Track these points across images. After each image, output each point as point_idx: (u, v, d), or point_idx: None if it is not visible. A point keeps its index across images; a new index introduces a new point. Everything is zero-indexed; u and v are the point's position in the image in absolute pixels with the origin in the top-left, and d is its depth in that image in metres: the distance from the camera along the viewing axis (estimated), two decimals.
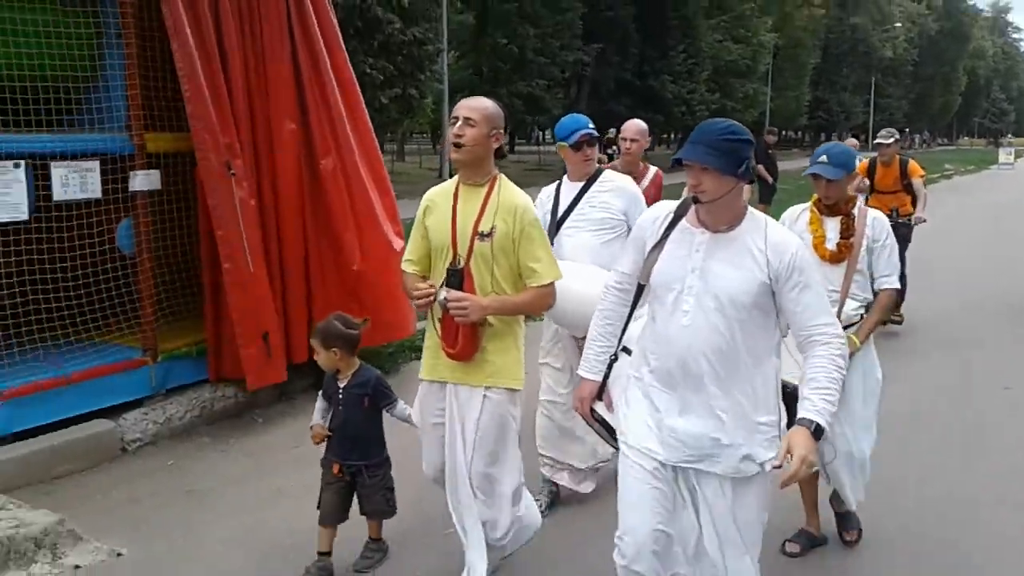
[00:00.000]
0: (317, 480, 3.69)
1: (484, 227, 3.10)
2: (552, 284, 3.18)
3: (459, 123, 3.09)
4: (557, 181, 4.34)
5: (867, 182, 8.00)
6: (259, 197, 5.53)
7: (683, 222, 2.63)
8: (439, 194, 3.27)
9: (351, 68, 6.31)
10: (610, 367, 2.85)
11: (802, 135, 64.56)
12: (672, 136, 44.91)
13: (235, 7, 5.40)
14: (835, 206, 3.72)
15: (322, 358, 3.59)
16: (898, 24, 62.72)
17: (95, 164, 4.97)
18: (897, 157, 7.90)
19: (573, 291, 3.57)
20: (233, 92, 5.38)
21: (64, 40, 4.94)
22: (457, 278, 3.11)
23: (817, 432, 2.38)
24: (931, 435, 5.28)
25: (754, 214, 2.61)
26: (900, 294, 7.36)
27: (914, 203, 7.96)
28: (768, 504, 2.65)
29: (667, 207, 2.71)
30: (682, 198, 2.87)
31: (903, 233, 7.56)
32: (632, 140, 5.23)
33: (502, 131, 3.18)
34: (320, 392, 3.69)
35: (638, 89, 30.98)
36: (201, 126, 5.15)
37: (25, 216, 4.69)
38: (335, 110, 5.93)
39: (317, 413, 3.68)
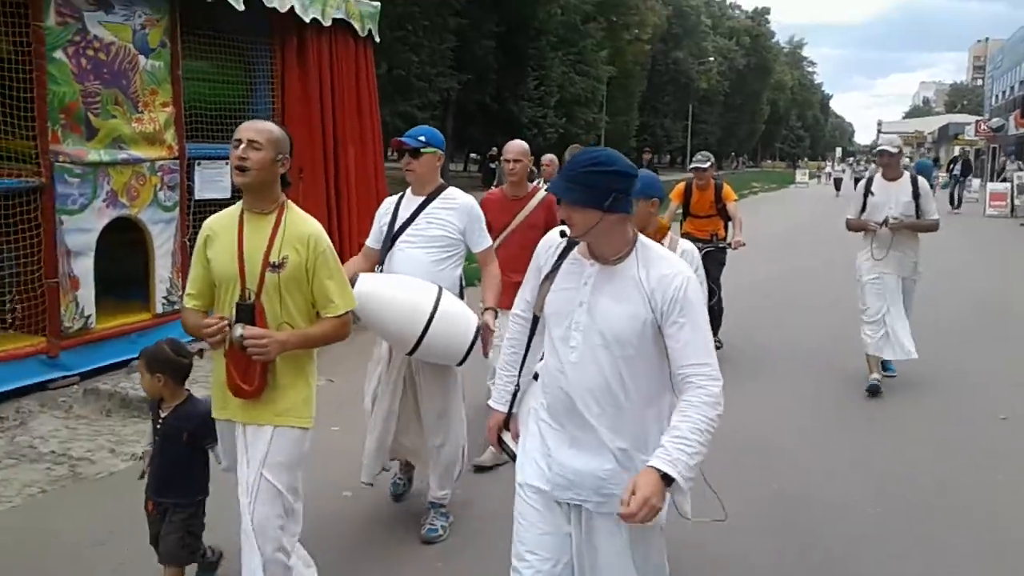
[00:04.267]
0: None
1: (275, 257, 2.93)
2: (348, 313, 3.06)
3: (243, 146, 2.88)
4: (400, 194, 4.22)
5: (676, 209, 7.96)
6: (326, 194, 8.49)
7: (574, 252, 2.52)
8: (220, 223, 3.06)
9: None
10: (514, 396, 2.76)
11: (633, 158, 70.42)
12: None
13: (328, 71, 8.41)
14: (648, 236, 3.52)
15: (145, 382, 3.35)
16: (712, 59, 69.91)
17: None
18: (712, 181, 7.85)
19: (390, 300, 3.63)
20: (322, 122, 8.39)
21: (226, 80, 7.78)
22: (248, 313, 2.92)
23: (667, 479, 2.23)
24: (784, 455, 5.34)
25: (645, 245, 2.46)
26: (718, 319, 7.80)
27: (726, 227, 7.97)
28: (663, 547, 2.58)
29: (559, 236, 2.59)
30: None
31: (720, 257, 7.81)
32: (515, 160, 5.16)
33: (288, 157, 3.01)
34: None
35: (496, 113, 34.71)
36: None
37: (228, 195, 7.48)
38: (375, 134, 9.06)
39: (146, 441, 3.50)
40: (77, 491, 4.67)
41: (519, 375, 2.76)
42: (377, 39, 9.15)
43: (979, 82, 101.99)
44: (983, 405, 6.50)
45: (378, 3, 9.10)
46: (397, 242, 4.04)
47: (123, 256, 6.84)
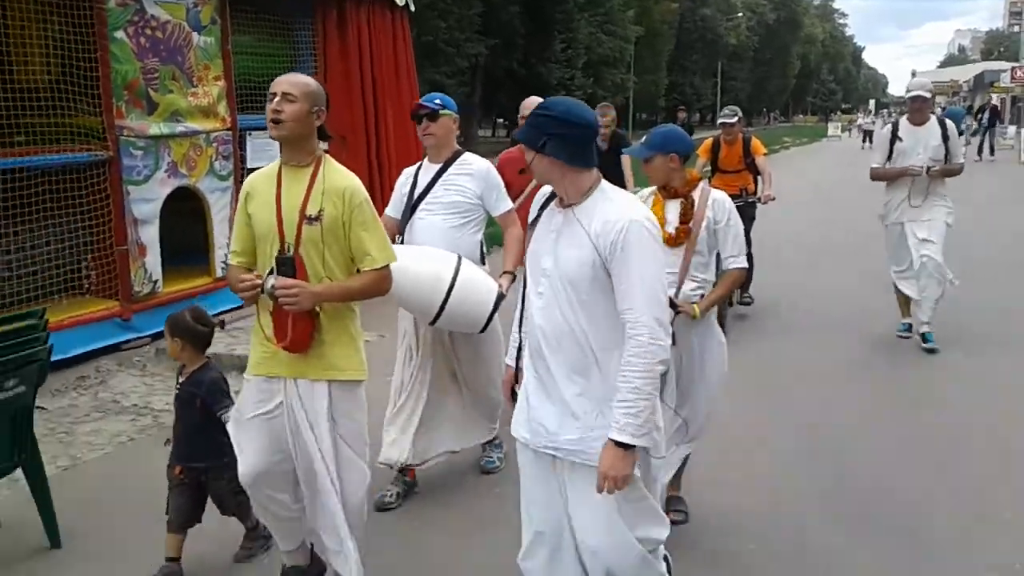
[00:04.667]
0: None
1: (311, 210, 2.92)
2: (387, 267, 3.03)
3: (277, 98, 2.89)
4: (418, 164, 4.25)
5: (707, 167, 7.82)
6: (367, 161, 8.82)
7: (552, 203, 2.59)
8: (260, 179, 3.08)
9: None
10: (519, 350, 2.79)
11: (663, 117, 70.03)
12: None
13: (367, 42, 8.70)
14: (674, 189, 3.66)
15: (168, 346, 3.52)
16: (740, 14, 68.99)
17: None
18: (740, 136, 7.71)
19: (411, 272, 3.57)
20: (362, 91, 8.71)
21: (272, 53, 8.11)
22: (288, 266, 2.93)
23: (624, 445, 2.31)
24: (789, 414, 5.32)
25: (603, 190, 2.50)
26: (748, 274, 7.27)
27: (756, 181, 7.84)
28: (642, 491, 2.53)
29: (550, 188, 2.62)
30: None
31: (750, 212, 7.58)
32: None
33: (324, 109, 2.99)
34: None
35: (523, 77, 34.74)
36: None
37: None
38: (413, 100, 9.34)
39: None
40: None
41: (519, 329, 2.82)
42: (412, 8, 9.42)
43: (1016, 28, 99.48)
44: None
45: None
46: (417, 211, 4.09)
47: (184, 224, 7.24)
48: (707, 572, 3.56)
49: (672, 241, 3.60)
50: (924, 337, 6.56)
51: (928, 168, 6.31)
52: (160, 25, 6.60)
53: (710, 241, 3.66)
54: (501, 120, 45.89)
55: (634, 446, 2.34)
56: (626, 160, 6.72)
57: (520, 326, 2.81)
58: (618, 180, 6.61)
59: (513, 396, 2.81)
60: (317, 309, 2.97)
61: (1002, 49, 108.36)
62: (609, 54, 40.59)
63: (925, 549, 3.72)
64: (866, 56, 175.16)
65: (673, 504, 3.87)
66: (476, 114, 35.76)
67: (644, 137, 3.74)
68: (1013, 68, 52.74)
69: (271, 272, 2.95)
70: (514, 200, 4.41)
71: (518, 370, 2.80)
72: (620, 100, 44.73)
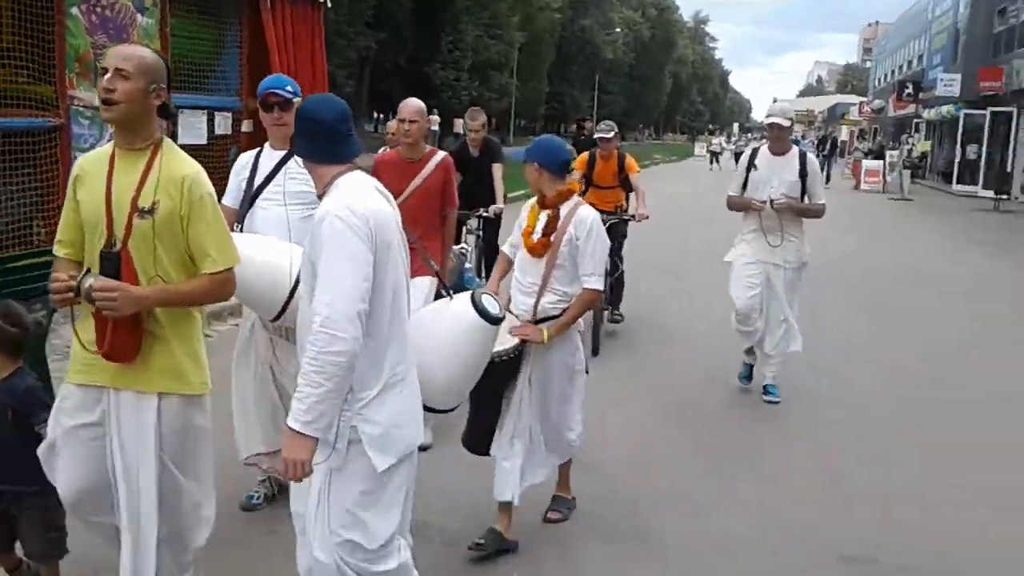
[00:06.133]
0: None
1: (144, 202, 2.61)
2: (230, 270, 2.74)
3: (108, 75, 2.59)
4: (258, 148, 4.00)
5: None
6: None
7: None
8: (91, 161, 2.75)
9: None
10: None
11: (544, 124, 71.95)
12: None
13: (290, 33, 9.43)
14: (544, 199, 3.74)
15: None
16: (618, 29, 71.79)
17: (228, 114, 8.86)
18: (615, 152, 7.67)
19: (254, 264, 3.23)
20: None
21: (204, 38, 8.74)
22: (112, 263, 2.61)
23: (295, 432, 2.36)
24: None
25: (338, 184, 2.56)
26: (618, 291, 7.76)
27: (627, 198, 7.85)
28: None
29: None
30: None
31: (622, 230, 7.65)
32: (411, 121, 4.80)
33: (163, 86, 2.69)
34: None
35: (411, 73, 35.56)
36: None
37: (204, 142, 8.48)
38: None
39: None
40: None
41: None
42: (329, 4, 10.19)
43: (868, 64, 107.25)
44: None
45: None
46: (258, 200, 3.86)
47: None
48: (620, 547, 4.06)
49: (534, 250, 3.73)
50: (766, 389, 6.08)
51: (772, 200, 5.69)
52: (109, 4, 7.18)
53: (572, 256, 3.68)
54: (384, 116, 46.40)
55: (307, 434, 2.37)
56: (498, 168, 6.77)
57: None
58: (488, 189, 6.84)
59: None
60: (150, 314, 2.68)
61: (855, 83, 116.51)
62: (495, 58, 41.96)
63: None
64: (733, 80, 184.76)
65: (556, 503, 4.09)
66: (362, 108, 36.21)
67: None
68: (860, 103, 57.22)
69: (102, 271, 2.63)
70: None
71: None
72: (504, 103, 46.16)
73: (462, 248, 6.60)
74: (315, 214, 2.51)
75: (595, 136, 7.73)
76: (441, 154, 5.01)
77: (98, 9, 7.07)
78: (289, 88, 3.92)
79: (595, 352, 6.74)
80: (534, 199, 3.89)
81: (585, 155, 7.79)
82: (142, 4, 7.56)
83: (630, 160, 7.77)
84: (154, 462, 2.71)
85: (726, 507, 4.44)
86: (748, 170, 5.92)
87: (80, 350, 2.72)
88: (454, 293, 3.25)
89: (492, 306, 3.04)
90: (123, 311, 2.59)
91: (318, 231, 2.44)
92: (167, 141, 2.76)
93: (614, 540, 4.02)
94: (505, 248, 4.13)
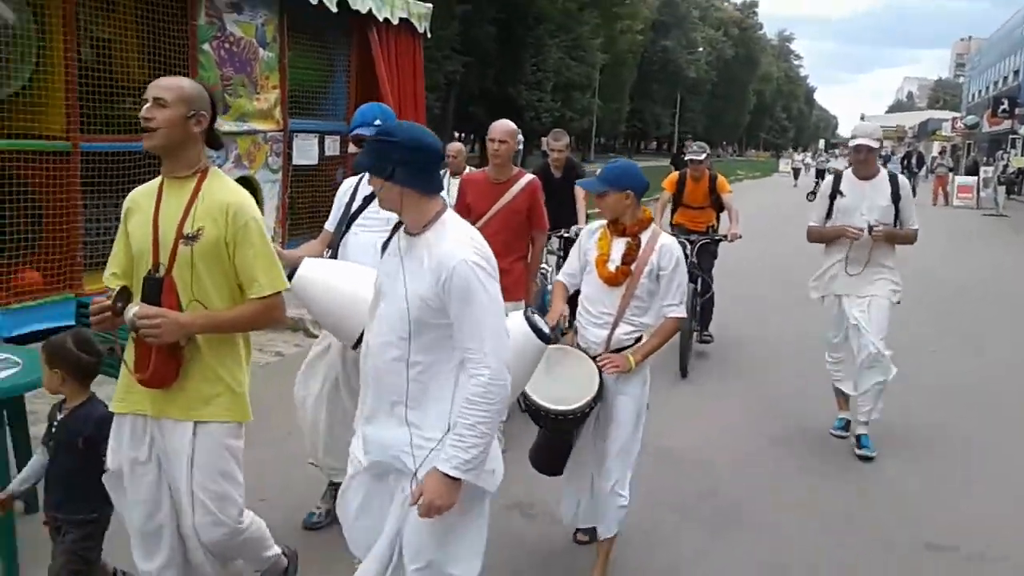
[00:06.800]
0: None
1: (189, 228, 2.64)
2: (278, 295, 2.74)
3: (148, 104, 2.62)
4: (362, 175, 3.94)
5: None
6: None
7: (400, 230, 2.53)
8: (142, 193, 2.80)
9: None
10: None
11: (624, 141, 72.16)
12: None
13: (394, 62, 10.05)
14: (622, 226, 3.60)
15: (45, 377, 3.01)
16: (701, 48, 71.68)
17: (337, 138, 9.50)
18: (707, 172, 7.63)
19: (333, 290, 3.25)
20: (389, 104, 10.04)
21: (316, 68, 9.42)
22: (154, 289, 2.64)
23: (452, 476, 2.33)
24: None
25: (443, 223, 2.44)
26: (708, 312, 7.74)
27: (718, 218, 7.82)
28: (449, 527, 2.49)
29: None
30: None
31: (713, 250, 7.65)
32: (500, 142, 4.79)
33: (207, 113, 2.70)
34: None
35: (496, 96, 36.29)
36: None
37: (315, 163, 9.14)
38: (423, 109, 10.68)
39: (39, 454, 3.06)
40: None
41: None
42: (428, 35, 10.79)
43: (961, 79, 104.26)
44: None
45: (430, 4, 10.74)
46: (352, 225, 3.92)
47: None
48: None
49: (611, 280, 3.58)
50: (859, 441, 5.43)
51: (871, 228, 5.23)
52: (236, 40, 7.87)
53: (651, 286, 3.58)
54: (472, 135, 47.37)
55: (459, 479, 2.37)
56: (580, 190, 6.65)
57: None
58: (570, 210, 6.89)
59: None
60: (192, 341, 2.69)
61: (947, 98, 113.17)
62: (577, 79, 42.42)
63: None
64: (818, 96, 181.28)
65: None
66: (448, 129, 37.14)
67: (599, 170, 3.68)
68: (953, 119, 55.74)
69: (143, 297, 2.66)
70: (474, 224, 4.20)
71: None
72: (586, 123, 46.65)
73: (542, 268, 6.63)
74: (434, 255, 2.37)
75: (686, 158, 7.82)
76: (529, 177, 4.95)
77: (226, 45, 7.77)
78: (377, 122, 3.90)
79: (683, 374, 6.89)
80: (598, 225, 3.76)
81: (675, 175, 7.89)
82: (264, 39, 8.25)
83: (722, 180, 7.75)
84: (187, 488, 2.74)
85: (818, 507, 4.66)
86: (832, 197, 5.45)
87: (124, 377, 2.78)
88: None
89: (544, 325, 2.98)
90: (166, 339, 2.60)
91: (450, 277, 2.33)
92: (214, 169, 2.78)
93: (709, 527, 4.32)
94: (562, 277, 3.92)
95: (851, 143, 5.45)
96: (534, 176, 5.00)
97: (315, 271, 3.33)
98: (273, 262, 2.75)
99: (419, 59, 10.73)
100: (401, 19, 9.96)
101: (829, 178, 5.73)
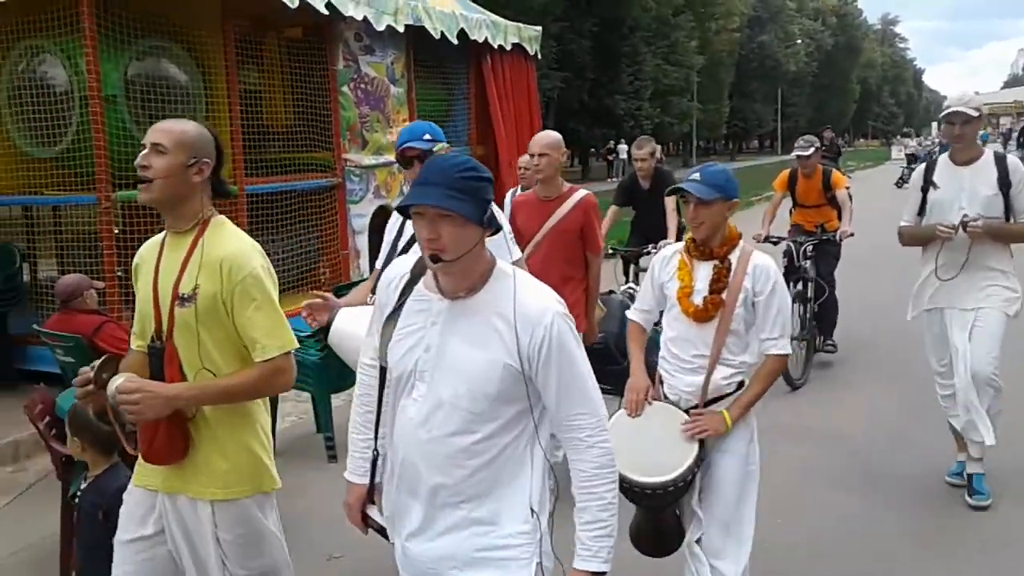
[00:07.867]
0: None
1: (185, 288, 2.37)
2: (285, 357, 2.41)
3: (146, 151, 2.35)
4: None
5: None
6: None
7: (419, 286, 2.08)
8: (148, 248, 2.54)
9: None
10: (375, 463, 2.27)
11: (725, 142, 71.25)
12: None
13: (509, 87, 10.57)
14: (708, 247, 2.98)
15: (69, 443, 2.93)
16: (799, 41, 70.16)
17: None
18: (819, 168, 6.97)
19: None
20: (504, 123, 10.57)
21: (440, 98, 10.03)
22: (156, 359, 2.40)
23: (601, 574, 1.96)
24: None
25: (503, 273, 2.02)
26: (830, 318, 7.15)
27: (839, 216, 7.11)
28: None
29: (405, 266, 2.14)
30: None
31: (832, 251, 7.10)
32: (540, 155, 4.27)
33: (210, 160, 2.43)
34: None
35: (594, 109, 36.70)
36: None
37: None
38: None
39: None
40: None
41: (375, 437, 2.27)
42: (539, 57, 11.29)
43: None
44: None
45: (539, 27, 11.24)
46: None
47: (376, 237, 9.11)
48: None
49: (700, 315, 2.96)
50: (971, 485, 4.56)
51: (965, 224, 4.27)
52: (370, 80, 8.56)
53: (747, 316, 2.96)
54: (571, 151, 47.88)
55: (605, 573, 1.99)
56: (670, 202, 6.14)
57: (376, 432, 2.27)
58: (659, 224, 6.25)
59: (365, 521, 2.32)
60: (197, 412, 2.43)
61: None
62: (675, 84, 42.41)
63: None
64: (927, 78, 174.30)
65: None
66: None
67: (693, 174, 3.04)
68: None
69: (151, 367, 2.44)
70: (523, 248, 3.92)
71: (372, 487, 2.30)
72: (686, 127, 46.50)
73: (630, 287, 5.91)
74: (517, 312, 1.96)
75: (794, 154, 7.08)
76: (582, 192, 4.45)
77: (362, 85, 8.46)
78: (427, 136, 3.47)
79: (792, 387, 6.53)
80: (672, 251, 3.16)
81: (785, 173, 7.21)
82: (394, 76, 8.91)
83: (836, 175, 7.13)
84: (217, 570, 2.47)
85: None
86: (925, 190, 4.52)
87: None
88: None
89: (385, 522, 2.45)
90: (147, 415, 2.32)
91: (546, 335, 1.96)
92: (217, 218, 2.49)
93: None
94: (635, 316, 3.29)
95: (942, 114, 4.49)
96: (588, 192, 4.50)
97: (349, 323, 3.08)
98: (278, 320, 2.43)
99: (532, 81, 11.25)
100: (514, 44, 10.49)
101: (920, 167, 4.81)
